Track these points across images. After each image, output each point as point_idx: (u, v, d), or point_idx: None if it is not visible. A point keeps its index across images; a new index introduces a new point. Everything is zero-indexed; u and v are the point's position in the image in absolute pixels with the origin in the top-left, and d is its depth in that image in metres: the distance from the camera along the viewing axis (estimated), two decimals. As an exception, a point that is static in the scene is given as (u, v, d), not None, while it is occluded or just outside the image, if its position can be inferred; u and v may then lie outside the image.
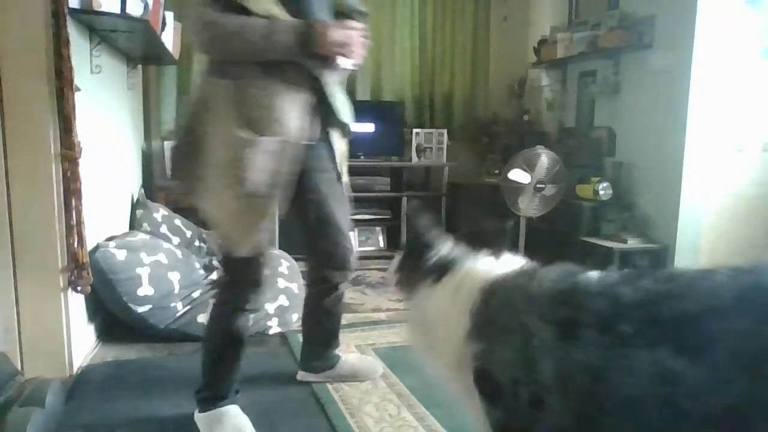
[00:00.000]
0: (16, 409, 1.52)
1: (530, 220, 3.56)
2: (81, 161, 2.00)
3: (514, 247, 1.16)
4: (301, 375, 2.10)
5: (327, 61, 1.57)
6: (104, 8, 2.14)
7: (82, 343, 2.21)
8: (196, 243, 3.25)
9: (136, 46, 2.86)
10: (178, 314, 2.45)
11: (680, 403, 0.81)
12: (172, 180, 1.66)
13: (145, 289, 2.38)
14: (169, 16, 3.05)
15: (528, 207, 3.49)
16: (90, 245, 2.18)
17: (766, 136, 3.40)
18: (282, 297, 2.63)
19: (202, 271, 2.74)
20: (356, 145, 3.72)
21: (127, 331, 2.44)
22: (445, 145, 4.44)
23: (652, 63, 3.50)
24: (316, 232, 1.87)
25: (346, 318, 2.37)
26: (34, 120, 1.90)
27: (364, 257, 3.74)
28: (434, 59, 4.72)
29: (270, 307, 2.58)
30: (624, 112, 3.78)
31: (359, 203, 4.05)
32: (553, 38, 4.22)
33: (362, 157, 4.18)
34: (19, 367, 1.95)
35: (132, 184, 3.33)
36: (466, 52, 4.84)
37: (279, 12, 1.51)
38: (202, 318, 2.46)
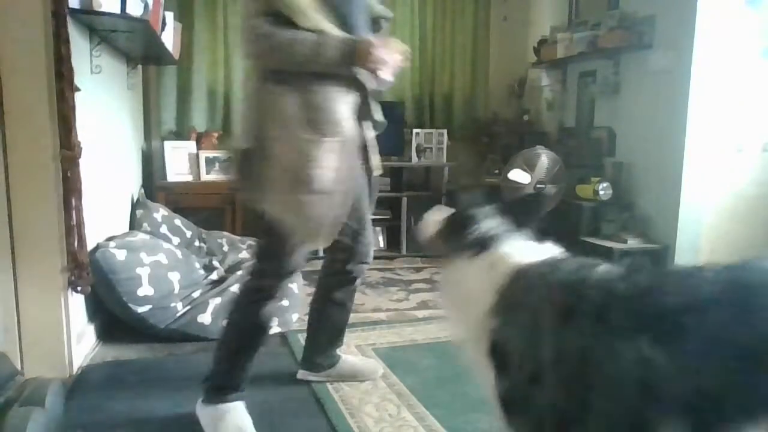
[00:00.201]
0: (16, 409, 1.51)
1: (530, 220, 3.56)
2: (81, 161, 2.00)
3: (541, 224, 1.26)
4: (302, 374, 2.10)
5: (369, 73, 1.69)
6: (104, 8, 2.14)
7: (82, 343, 2.21)
8: (196, 243, 3.25)
9: (136, 46, 2.86)
10: (178, 314, 2.45)
11: (655, 386, 0.88)
12: (235, 186, 1.76)
13: (145, 289, 2.38)
14: (169, 16, 3.05)
15: (528, 207, 3.48)
16: (90, 245, 2.18)
17: (766, 136, 3.40)
18: (282, 297, 2.63)
19: (202, 271, 2.74)
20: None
21: (127, 331, 2.44)
22: (445, 145, 4.44)
23: (652, 63, 3.50)
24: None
25: (346, 318, 2.37)
26: (34, 120, 1.90)
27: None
28: (434, 59, 4.72)
29: (270, 307, 2.58)
30: (624, 112, 3.78)
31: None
32: (553, 38, 4.22)
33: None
34: (19, 367, 1.95)
35: (132, 184, 3.33)
36: (466, 52, 4.84)
37: (327, 26, 1.60)
38: (202, 318, 2.46)
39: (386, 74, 1.65)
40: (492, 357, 1.10)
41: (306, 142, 1.60)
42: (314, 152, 1.60)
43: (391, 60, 1.63)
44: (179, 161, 3.93)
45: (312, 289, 2.73)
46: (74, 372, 2.09)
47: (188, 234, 3.24)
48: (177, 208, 3.45)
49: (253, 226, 1.70)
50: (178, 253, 2.69)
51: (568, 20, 4.36)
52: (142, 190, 3.53)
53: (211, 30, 4.15)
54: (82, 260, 2.04)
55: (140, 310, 2.37)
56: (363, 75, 1.70)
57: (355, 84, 1.71)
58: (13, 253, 1.96)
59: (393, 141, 4.42)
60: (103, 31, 2.41)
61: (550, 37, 4.33)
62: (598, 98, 4.02)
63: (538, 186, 3.46)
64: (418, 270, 3.98)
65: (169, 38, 3.04)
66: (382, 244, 4.45)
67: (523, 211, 1.28)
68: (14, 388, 1.66)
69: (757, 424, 0.85)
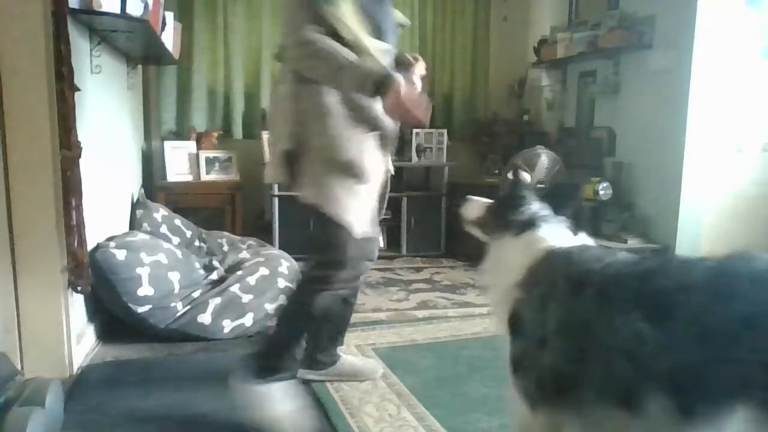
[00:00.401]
0: (16, 409, 1.51)
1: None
2: (81, 161, 2.00)
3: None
4: (302, 373, 2.10)
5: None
6: (104, 8, 2.14)
7: (82, 343, 2.21)
8: (196, 243, 3.25)
9: (136, 46, 2.86)
10: (178, 314, 2.45)
11: (642, 358, 0.98)
12: (281, 181, 1.81)
13: (145, 289, 2.38)
14: (169, 16, 3.05)
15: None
16: (90, 245, 2.18)
17: (766, 136, 3.40)
18: (282, 297, 2.63)
19: (202, 271, 2.74)
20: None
21: (127, 331, 2.44)
22: (445, 145, 4.44)
23: (652, 63, 3.50)
24: None
25: (346, 318, 2.37)
26: (34, 120, 1.90)
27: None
28: (434, 59, 4.72)
29: (270, 307, 2.58)
30: (624, 112, 3.78)
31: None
32: (553, 38, 4.22)
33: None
34: (19, 367, 1.95)
35: (132, 184, 3.34)
36: (466, 52, 4.84)
37: (365, 38, 1.67)
38: (202, 318, 2.46)
39: (409, 121, 1.67)
40: (510, 323, 1.24)
41: (354, 138, 1.71)
42: (361, 146, 1.72)
43: (416, 110, 1.61)
44: (179, 161, 3.93)
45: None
46: (74, 372, 2.09)
47: (188, 234, 3.24)
48: (177, 208, 3.45)
49: (310, 219, 1.81)
50: (178, 253, 2.69)
51: (568, 20, 4.36)
52: (142, 190, 3.53)
53: (211, 30, 4.15)
54: (82, 260, 2.04)
55: (140, 310, 2.37)
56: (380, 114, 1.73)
57: None
58: (13, 253, 1.96)
59: (393, 141, 4.42)
60: (103, 31, 2.41)
61: (550, 37, 4.33)
62: (598, 98, 4.02)
63: (539, 186, 3.46)
64: (418, 270, 3.98)
65: (169, 38, 3.03)
66: (382, 244, 4.45)
67: (561, 199, 1.39)
68: (14, 388, 1.66)
69: (733, 406, 0.91)
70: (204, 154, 3.97)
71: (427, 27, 4.69)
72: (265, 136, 3.96)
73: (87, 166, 2.08)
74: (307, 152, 1.72)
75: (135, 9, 2.29)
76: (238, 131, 4.30)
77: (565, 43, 4.04)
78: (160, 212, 3.21)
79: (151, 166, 4.00)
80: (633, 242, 3.40)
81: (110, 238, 2.49)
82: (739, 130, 3.36)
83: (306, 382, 2.06)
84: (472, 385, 2.08)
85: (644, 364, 0.98)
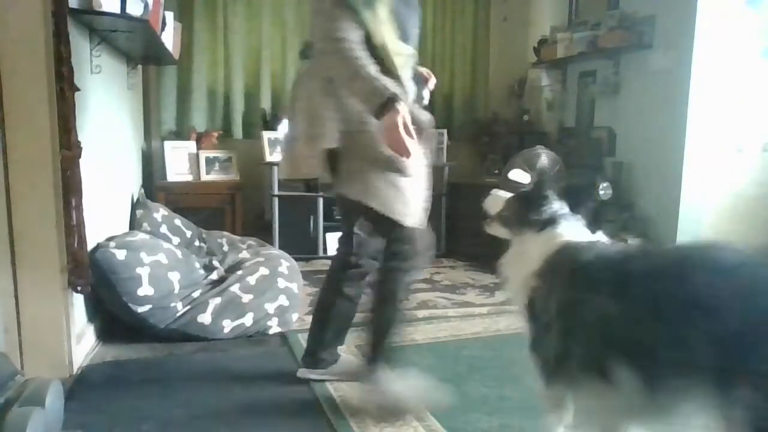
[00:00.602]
0: (16, 409, 1.51)
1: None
2: (81, 161, 2.00)
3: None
4: (302, 372, 2.10)
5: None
6: (104, 8, 2.14)
7: (82, 343, 2.21)
8: (196, 243, 3.25)
9: (136, 46, 2.86)
10: (178, 314, 2.45)
11: (611, 334, 1.15)
12: (321, 178, 1.85)
13: (145, 289, 2.38)
14: (169, 16, 3.05)
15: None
16: (90, 245, 2.18)
17: (766, 136, 3.40)
18: (282, 297, 2.63)
19: (202, 271, 2.74)
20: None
21: (127, 331, 2.44)
22: (445, 145, 4.44)
23: (652, 63, 3.50)
24: None
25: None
26: (34, 120, 1.90)
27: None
28: (434, 59, 4.72)
29: (270, 307, 2.58)
30: (624, 112, 3.78)
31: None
32: (553, 38, 4.22)
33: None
34: (19, 367, 1.95)
35: (132, 184, 3.33)
36: (466, 52, 4.84)
37: (394, 43, 1.72)
38: (202, 318, 2.46)
39: (394, 147, 1.68)
40: (527, 310, 1.38)
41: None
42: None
43: (404, 148, 1.64)
44: (179, 161, 3.93)
45: (312, 289, 2.73)
46: (74, 372, 2.09)
47: (188, 234, 3.24)
48: (177, 208, 3.44)
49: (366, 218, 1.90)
50: (178, 252, 2.69)
51: (568, 20, 4.36)
52: (142, 190, 3.53)
53: (211, 30, 4.16)
54: (82, 260, 2.04)
55: (140, 310, 2.37)
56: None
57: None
58: (13, 253, 1.96)
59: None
60: (103, 31, 2.41)
61: (550, 37, 4.33)
62: (598, 98, 4.02)
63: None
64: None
65: (169, 38, 3.03)
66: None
67: (576, 198, 1.50)
68: (14, 388, 1.65)
69: (689, 380, 1.04)
70: (204, 154, 3.97)
71: (427, 27, 4.68)
72: (266, 134, 3.97)
73: (87, 166, 2.08)
74: (350, 150, 1.78)
75: (135, 9, 2.28)
76: (238, 131, 4.30)
77: (565, 43, 4.04)
78: (160, 212, 3.21)
79: (151, 166, 4.00)
80: (633, 242, 3.39)
81: (110, 238, 2.48)
82: (739, 130, 3.36)
83: (306, 382, 2.07)
84: (472, 385, 2.08)
85: (611, 339, 1.15)
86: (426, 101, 2.02)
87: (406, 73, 1.81)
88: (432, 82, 2.06)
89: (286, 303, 2.63)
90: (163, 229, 3.11)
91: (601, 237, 1.40)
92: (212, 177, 3.96)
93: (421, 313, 2.95)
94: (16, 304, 1.98)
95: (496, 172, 4.39)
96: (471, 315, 2.94)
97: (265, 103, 4.32)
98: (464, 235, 4.27)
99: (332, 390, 2.02)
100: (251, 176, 4.07)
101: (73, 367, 2.09)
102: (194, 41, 4.08)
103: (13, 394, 1.61)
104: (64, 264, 2.00)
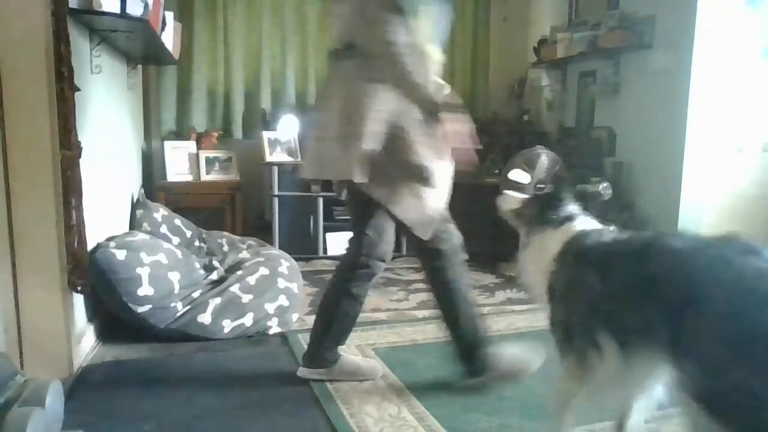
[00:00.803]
0: (16, 409, 1.51)
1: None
2: (81, 161, 2.00)
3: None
4: (302, 371, 2.10)
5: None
6: (104, 8, 2.14)
7: (82, 343, 2.21)
8: (196, 243, 3.25)
9: (136, 46, 2.86)
10: (178, 314, 2.45)
11: (595, 306, 1.33)
12: (357, 180, 1.85)
13: (145, 289, 2.38)
14: (169, 16, 3.05)
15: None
16: (90, 245, 2.18)
17: (766, 136, 3.40)
18: (282, 297, 2.63)
19: (202, 271, 2.74)
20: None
21: (127, 331, 2.44)
22: (444, 145, 4.43)
23: (652, 63, 3.50)
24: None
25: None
26: (34, 120, 1.90)
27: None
28: (434, 59, 4.71)
29: (270, 307, 2.58)
30: (624, 112, 3.78)
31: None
32: (553, 38, 4.22)
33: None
34: (19, 367, 1.95)
35: (132, 184, 3.33)
36: (466, 52, 4.84)
37: (430, 46, 1.81)
38: (202, 318, 2.46)
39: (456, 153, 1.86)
40: (548, 294, 1.51)
41: (423, 140, 1.84)
42: (430, 150, 1.86)
43: (470, 154, 1.88)
44: (179, 161, 3.93)
45: (312, 289, 2.73)
46: (74, 372, 2.09)
47: (188, 234, 3.24)
48: (177, 208, 3.45)
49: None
50: (178, 253, 2.69)
51: (568, 20, 4.36)
52: (142, 190, 3.53)
53: (211, 30, 4.16)
54: (82, 260, 2.04)
55: (140, 310, 2.37)
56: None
57: None
58: (13, 253, 1.96)
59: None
60: (103, 31, 2.41)
61: (550, 37, 4.33)
62: (598, 98, 4.02)
63: (538, 186, 3.46)
64: (418, 270, 3.96)
65: (169, 38, 3.03)
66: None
67: (587, 199, 1.69)
68: (14, 388, 1.65)
69: (646, 343, 1.21)
70: (204, 154, 3.97)
71: (427, 27, 4.68)
72: (266, 134, 3.97)
73: (87, 166, 2.08)
74: (383, 152, 1.82)
75: (135, 9, 2.28)
76: (238, 131, 4.30)
77: (565, 43, 4.04)
78: (160, 212, 3.21)
79: (151, 166, 4.01)
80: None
81: (110, 238, 2.48)
82: (739, 130, 3.35)
83: (306, 382, 2.07)
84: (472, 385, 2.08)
85: (596, 311, 1.32)
86: None
87: (436, 79, 1.87)
88: (446, 91, 2.08)
89: (286, 303, 2.63)
90: (163, 229, 3.11)
91: (606, 227, 1.53)
92: (212, 177, 3.96)
93: (421, 313, 2.95)
94: (16, 304, 1.98)
95: (496, 171, 4.38)
96: (471, 315, 2.93)
97: (265, 103, 4.32)
98: (464, 235, 4.26)
99: (332, 390, 2.02)
100: (251, 176, 4.07)
101: (73, 367, 2.09)
102: (194, 41, 4.08)
103: (13, 394, 1.61)
104: (64, 264, 2.00)
